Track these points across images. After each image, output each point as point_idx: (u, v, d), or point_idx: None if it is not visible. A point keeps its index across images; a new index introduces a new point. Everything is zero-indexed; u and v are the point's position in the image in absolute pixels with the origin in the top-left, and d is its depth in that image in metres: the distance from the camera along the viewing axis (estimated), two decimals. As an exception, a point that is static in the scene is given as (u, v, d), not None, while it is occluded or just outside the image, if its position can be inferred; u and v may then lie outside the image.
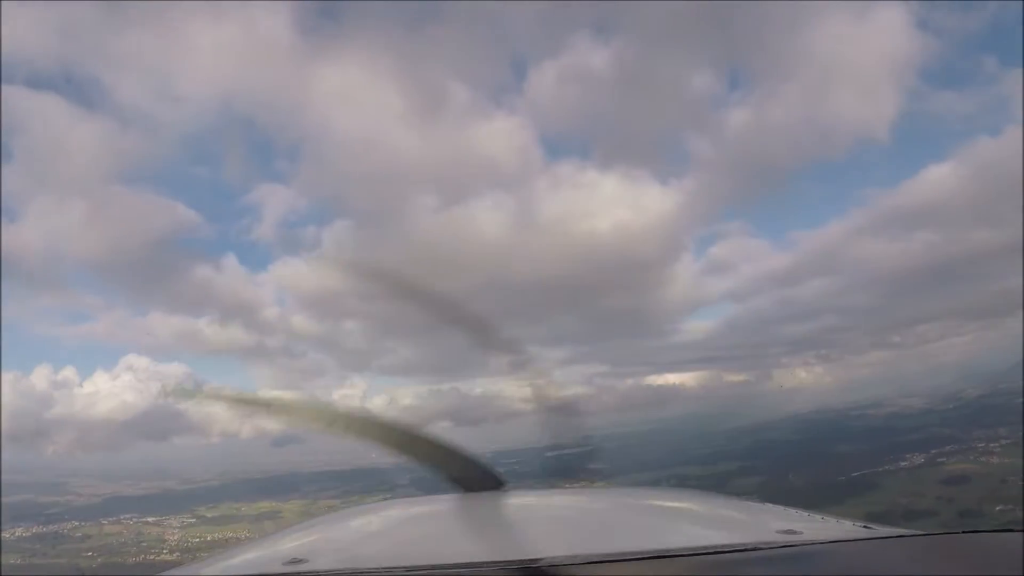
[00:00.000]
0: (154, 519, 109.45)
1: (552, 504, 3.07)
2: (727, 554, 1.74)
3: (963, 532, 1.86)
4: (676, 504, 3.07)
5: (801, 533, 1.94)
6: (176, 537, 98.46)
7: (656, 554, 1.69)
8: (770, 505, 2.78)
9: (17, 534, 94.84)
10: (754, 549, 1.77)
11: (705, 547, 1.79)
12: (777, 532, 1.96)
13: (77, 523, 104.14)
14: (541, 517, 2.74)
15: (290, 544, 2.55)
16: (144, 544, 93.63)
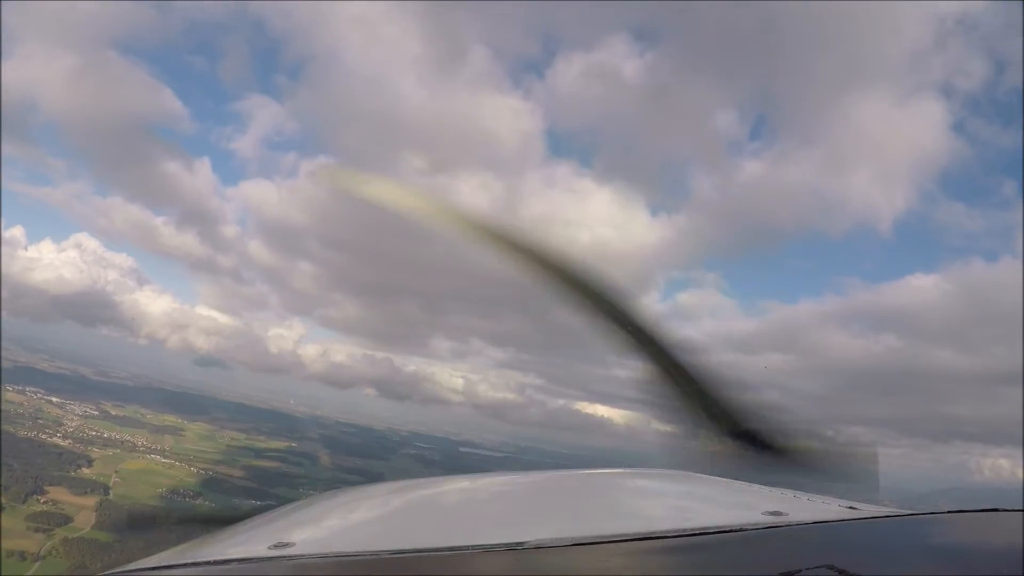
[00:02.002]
0: (58, 400, 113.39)
1: (536, 486, 3.18)
2: (713, 535, 1.78)
3: (948, 512, 1.84)
4: (662, 485, 3.11)
5: (787, 514, 2.02)
6: (74, 424, 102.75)
7: (642, 536, 1.75)
8: (756, 486, 2.73)
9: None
10: (740, 530, 1.81)
11: (691, 528, 1.83)
12: (763, 513, 2.03)
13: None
14: (525, 499, 2.84)
15: (275, 528, 2.66)
16: (41, 421, 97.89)
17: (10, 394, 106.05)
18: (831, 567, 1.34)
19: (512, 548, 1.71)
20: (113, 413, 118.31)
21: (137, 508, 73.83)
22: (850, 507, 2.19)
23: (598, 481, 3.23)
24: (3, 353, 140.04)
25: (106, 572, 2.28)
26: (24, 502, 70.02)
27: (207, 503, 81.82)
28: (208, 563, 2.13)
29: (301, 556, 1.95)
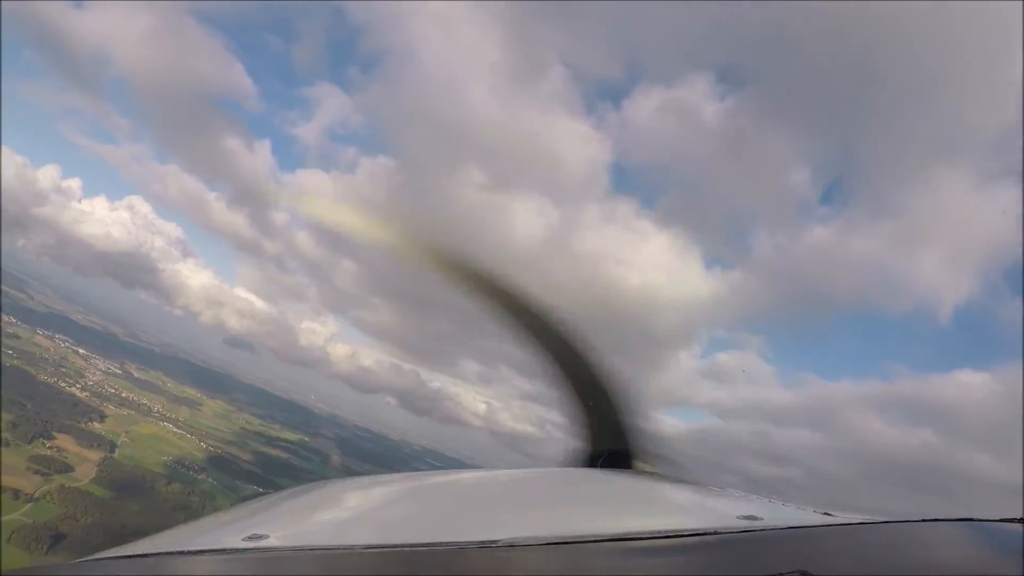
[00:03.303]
0: (85, 353, 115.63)
1: (511, 484, 3.24)
2: (687, 538, 1.83)
3: (923, 520, 1.88)
4: (637, 486, 3.14)
5: (762, 519, 2.07)
6: (95, 379, 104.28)
7: (616, 537, 1.78)
8: (731, 490, 2.78)
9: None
10: (715, 533, 1.86)
11: (666, 531, 1.87)
12: (738, 517, 2.09)
13: (15, 320, 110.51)
14: (500, 497, 2.89)
15: (250, 519, 2.66)
16: (63, 370, 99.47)
17: (39, 338, 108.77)
18: (805, 572, 1.37)
19: (485, 545, 1.76)
20: (135, 375, 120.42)
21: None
22: (825, 513, 2.22)
23: (574, 480, 3.32)
24: (39, 298, 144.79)
25: (79, 560, 2.23)
26: (29, 443, 70.80)
27: (210, 479, 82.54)
28: (181, 553, 2.13)
29: (274, 548, 2.00)
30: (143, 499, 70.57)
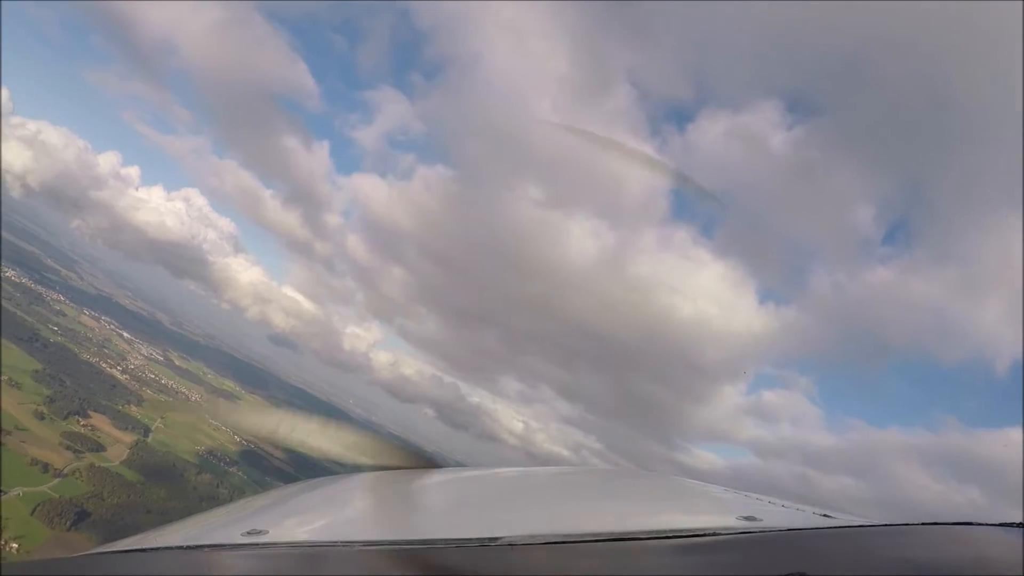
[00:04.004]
0: (129, 336, 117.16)
1: (512, 482, 3.26)
2: (687, 538, 1.86)
3: (922, 524, 1.91)
4: (637, 486, 3.20)
5: (761, 520, 2.10)
6: (137, 363, 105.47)
7: (615, 536, 1.84)
8: (731, 491, 2.82)
9: (6, 273, 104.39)
10: (714, 534, 1.90)
11: (665, 530, 1.91)
12: (737, 518, 2.12)
13: (63, 299, 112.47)
14: (501, 495, 2.91)
15: (249, 515, 2.72)
16: (106, 351, 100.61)
17: (85, 318, 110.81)
18: (803, 574, 1.42)
19: (485, 543, 1.81)
20: (177, 363, 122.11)
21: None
22: (824, 515, 2.26)
23: (574, 479, 3.37)
24: (88, 279, 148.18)
25: (80, 553, 2.27)
26: (65, 419, 71.48)
27: (240, 473, 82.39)
28: (181, 548, 2.18)
29: (274, 544, 2.05)
30: (171, 486, 70.65)
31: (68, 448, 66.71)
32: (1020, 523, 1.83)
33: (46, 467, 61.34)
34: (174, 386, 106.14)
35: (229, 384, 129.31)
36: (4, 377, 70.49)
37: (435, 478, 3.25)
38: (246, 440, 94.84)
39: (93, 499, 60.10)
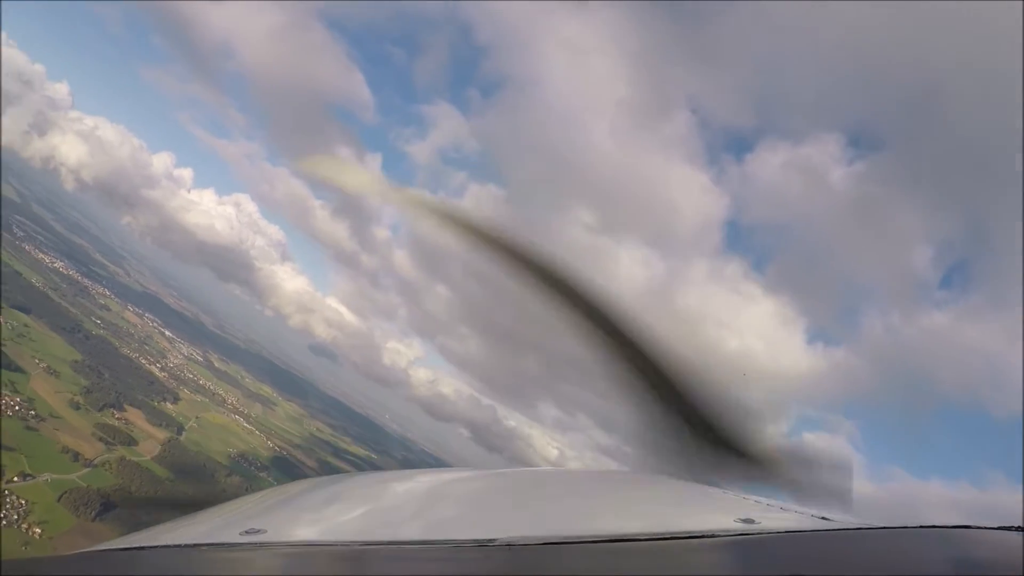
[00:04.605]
0: (171, 335, 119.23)
1: (509, 483, 3.25)
2: (685, 540, 1.88)
3: (921, 527, 1.92)
4: (635, 487, 3.21)
5: (760, 522, 2.12)
6: (176, 362, 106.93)
7: (613, 538, 1.86)
8: (730, 493, 2.83)
9: (54, 265, 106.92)
10: (712, 536, 1.91)
11: (663, 532, 1.93)
12: (736, 520, 2.13)
13: (108, 293, 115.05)
14: (498, 496, 2.93)
15: (247, 514, 2.74)
16: (146, 347, 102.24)
17: (128, 314, 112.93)
18: None
19: (482, 544, 1.83)
20: (216, 365, 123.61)
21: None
22: (823, 518, 2.26)
23: (571, 481, 3.38)
24: (135, 275, 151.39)
25: (78, 551, 2.29)
26: (100, 410, 72.48)
27: (270, 479, 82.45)
28: (179, 547, 2.21)
29: (272, 544, 2.08)
30: (200, 486, 70.88)
31: (100, 439, 67.44)
32: (1018, 527, 1.84)
33: (76, 456, 62.03)
34: (211, 387, 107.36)
35: (266, 390, 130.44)
36: (43, 365, 71.74)
37: (433, 478, 3.28)
38: (278, 446, 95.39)
39: (120, 491, 60.43)
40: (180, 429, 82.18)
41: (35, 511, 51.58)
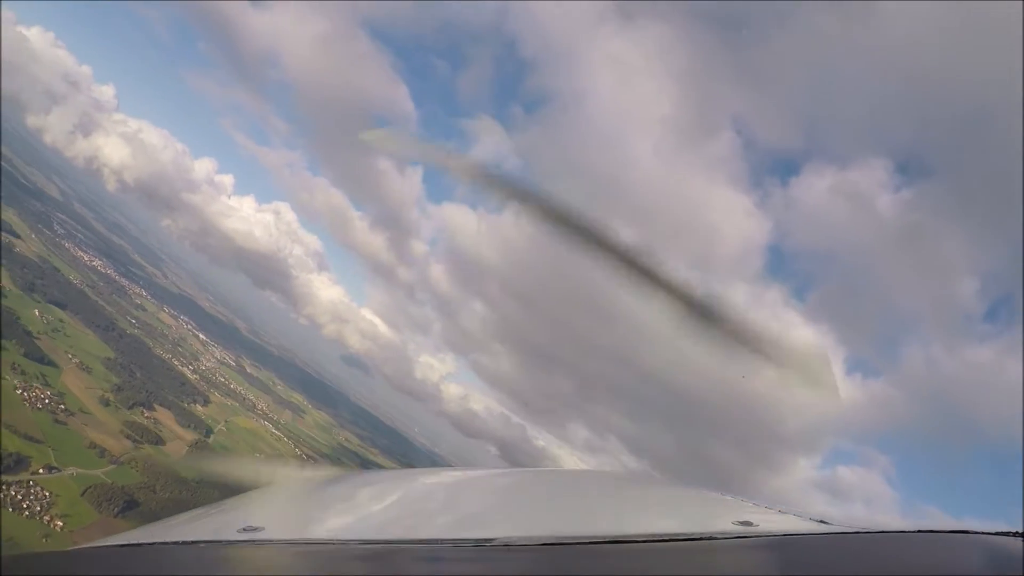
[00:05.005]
0: (204, 338, 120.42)
1: (507, 484, 3.30)
2: (682, 542, 1.91)
3: (919, 532, 1.94)
4: (633, 489, 3.29)
5: (757, 525, 2.15)
6: (208, 365, 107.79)
7: (610, 539, 1.87)
8: (727, 496, 2.86)
9: (92, 263, 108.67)
10: (709, 538, 1.95)
11: (660, 534, 1.97)
12: (733, 523, 2.17)
13: (145, 294, 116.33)
14: (497, 496, 2.97)
15: (246, 511, 2.79)
16: (180, 349, 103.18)
17: (164, 315, 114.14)
18: None
19: (480, 544, 1.87)
20: (248, 370, 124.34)
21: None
22: (821, 521, 2.29)
23: (570, 482, 3.42)
24: (172, 278, 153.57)
25: (75, 547, 2.36)
26: (129, 408, 73.05)
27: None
28: (177, 543, 2.24)
29: (269, 541, 2.11)
30: (224, 490, 70.73)
31: (128, 437, 67.98)
32: (1018, 532, 1.83)
33: (103, 452, 62.55)
34: (243, 392, 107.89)
35: (297, 397, 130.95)
36: (75, 360, 72.51)
37: (432, 478, 3.33)
38: (306, 455, 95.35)
39: (145, 490, 60.79)
40: (208, 431, 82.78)
41: (58, 504, 51.93)
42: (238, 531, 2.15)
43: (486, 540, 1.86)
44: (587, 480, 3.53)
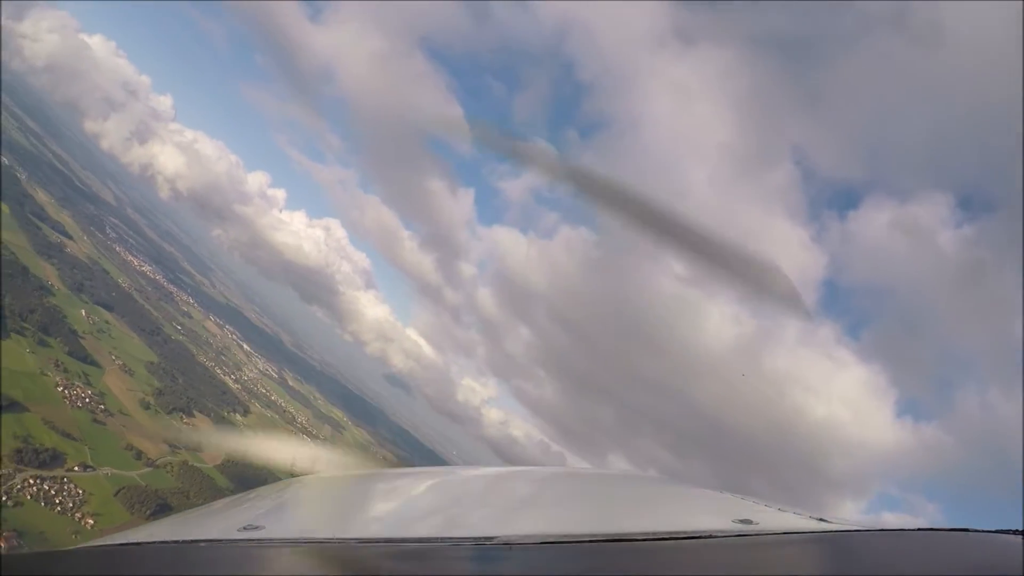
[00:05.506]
0: (248, 349, 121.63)
1: (508, 482, 3.34)
2: (682, 540, 1.92)
3: (919, 530, 1.96)
4: (633, 488, 3.34)
5: (757, 523, 2.15)
6: (251, 375, 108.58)
7: (610, 537, 1.90)
8: (727, 494, 2.90)
9: (142, 268, 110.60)
10: (709, 536, 1.95)
11: (660, 532, 1.97)
12: (733, 521, 2.17)
13: (192, 301, 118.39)
14: (497, 495, 3.00)
15: (246, 510, 2.82)
16: (222, 357, 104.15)
17: (209, 323, 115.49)
18: None
19: (481, 543, 1.89)
20: (290, 383, 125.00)
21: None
22: (820, 519, 2.31)
23: (570, 480, 3.47)
24: (220, 287, 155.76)
25: (76, 547, 2.36)
26: (169, 413, 73.65)
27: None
28: (177, 543, 2.26)
29: (270, 540, 2.14)
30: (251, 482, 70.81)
31: (165, 441, 67.97)
32: (1017, 530, 1.86)
33: (139, 454, 62.98)
34: (283, 404, 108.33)
35: (337, 413, 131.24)
36: (118, 362, 73.37)
37: (433, 477, 3.32)
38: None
39: (178, 495, 60.89)
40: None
41: (91, 502, 52.34)
42: (239, 530, 2.19)
43: (486, 539, 1.87)
44: (587, 479, 3.53)
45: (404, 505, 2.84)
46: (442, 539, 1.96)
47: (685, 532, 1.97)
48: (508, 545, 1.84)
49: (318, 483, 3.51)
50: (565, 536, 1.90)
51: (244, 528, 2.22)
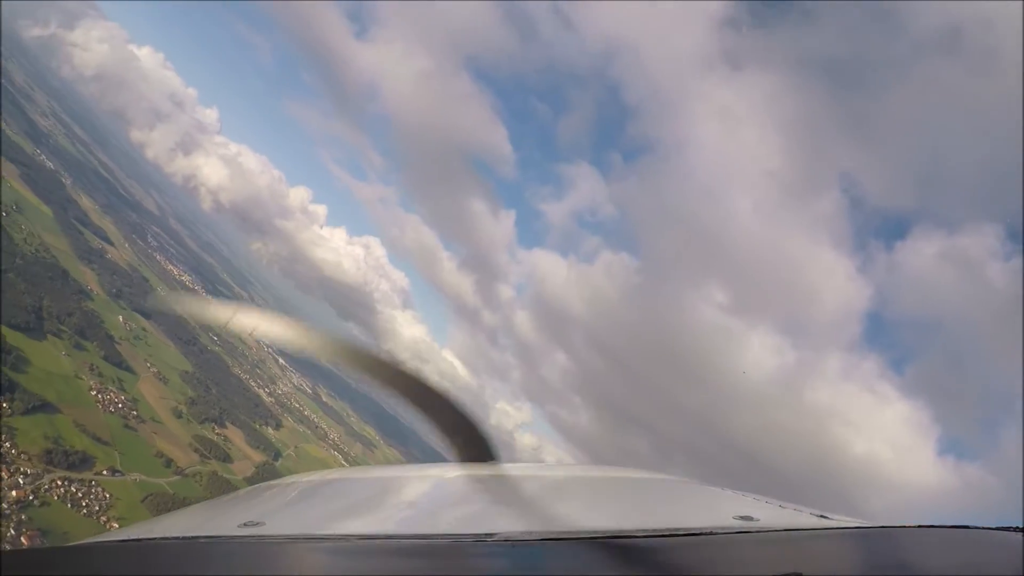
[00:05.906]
0: (283, 363, 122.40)
1: (510, 479, 3.26)
2: (684, 537, 1.90)
3: (919, 526, 1.98)
4: (634, 485, 3.32)
5: (758, 520, 2.16)
6: (285, 389, 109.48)
7: (611, 534, 1.90)
8: (728, 491, 2.94)
9: (181, 277, 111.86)
10: (710, 533, 1.94)
11: (661, 529, 1.96)
12: (734, 518, 2.18)
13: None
14: (497, 492, 2.88)
15: (246, 507, 2.81)
16: (258, 371, 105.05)
17: (245, 336, 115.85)
18: (799, 575, 1.49)
19: (480, 539, 1.88)
20: (323, 399, 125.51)
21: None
22: (822, 516, 2.36)
23: (570, 477, 3.50)
24: (258, 300, 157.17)
25: (77, 543, 2.35)
26: (201, 422, 73.86)
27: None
28: (177, 539, 2.25)
29: (270, 536, 2.14)
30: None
31: (196, 451, 68.71)
32: (1018, 528, 1.88)
33: (169, 462, 63.17)
34: (316, 420, 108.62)
35: (369, 431, 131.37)
36: (153, 369, 73.88)
37: (433, 473, 3.31)
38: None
39: (205, 507, 60.78)
40: (277, 455, 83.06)
41: (116, 507, 52.52)
42: (238, 526, 2.18)
43: (487, 535, 1.87)
44: (589, 476, 3.58)
45: (405, 501, 2.84)
46: (443, 535, 1.96)
47: (686, 529, 1.95)
48: (508, 541, 1.83)
49: (319, 480, 3.41)
50: (566, 533, 1.86)
51: (244, 524, 2.18)
